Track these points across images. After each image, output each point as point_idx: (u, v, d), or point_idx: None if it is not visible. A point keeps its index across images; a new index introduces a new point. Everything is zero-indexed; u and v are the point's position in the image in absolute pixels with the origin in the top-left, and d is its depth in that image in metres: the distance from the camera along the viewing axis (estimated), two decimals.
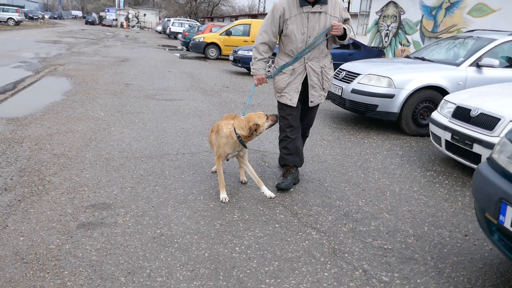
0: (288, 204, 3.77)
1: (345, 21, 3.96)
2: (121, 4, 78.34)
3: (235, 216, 3.46)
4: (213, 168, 4.49)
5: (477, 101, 4.67)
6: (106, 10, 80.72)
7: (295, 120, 4.06)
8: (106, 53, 18.63)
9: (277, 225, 3.35)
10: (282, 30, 3.91)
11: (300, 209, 3.67)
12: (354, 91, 6.56)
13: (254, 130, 3.62)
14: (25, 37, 25.81)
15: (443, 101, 5.25)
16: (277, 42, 4.03)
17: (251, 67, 4.11)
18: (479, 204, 2.64)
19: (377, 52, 13.72)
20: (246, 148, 3.82)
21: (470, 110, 4.58)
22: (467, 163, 4.55)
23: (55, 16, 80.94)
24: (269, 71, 4.21)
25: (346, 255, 2.95)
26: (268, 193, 3.82)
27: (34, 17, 58.22)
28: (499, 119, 4.18)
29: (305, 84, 4.01)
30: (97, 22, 76.23)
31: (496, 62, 6.18)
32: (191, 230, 3.19)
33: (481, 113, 4.41)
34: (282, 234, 3.21)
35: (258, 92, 10.39)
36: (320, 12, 3.78)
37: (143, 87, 9.81)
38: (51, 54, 16.54)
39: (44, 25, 49.16)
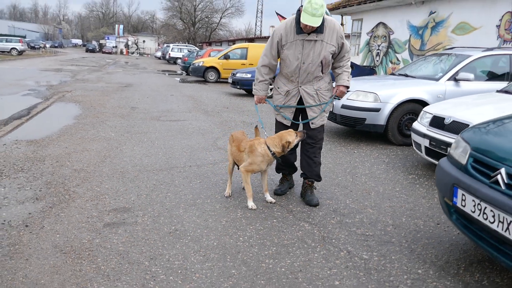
0: (284, 204, 4.32)
1: (342, 48, 4.14)
2: (121, 31, 79.89)
3: (239, 214, 4.00)
4: (225, 192, 4.57)
5: (450, 111, 5.25)
6: (106, 38, 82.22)
7: None
8: (109, 80, 19.33)
9: (274, 220, 3.89)
10: (281, 53, 4.18)
11: (294, 207, 4.22)
12: (344, 106, 7.15)
13: (286, 147, 4.10)
14: (29, 66, 26.62)
15: (422, 112, 5.83)
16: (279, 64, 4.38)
17: (253, 87, 4.43)
18: (440, 192, 3.19)
19: (369, 71, 14.40)
20: (280, 161, 4.29)
21: (444, 118, 5.17)
22: None
23: (56, 45, 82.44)
24: (271, 89, 4.65)
25: (333, 240, 3.49)
26: (269, 198, 4.35)
27: (36, 47, 59.58)
28: (467, 125, 4.75)
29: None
30: (97, 49, 77.63)
31: (471, 76, 6.79)
32: (201, 226, 3.73)
33: (453, 121, 4.99)
34: (279, 227, 3.74)
35: (255, 111, 10.98)
36: (315, 40, 3.99)
37: (148, 110, 10.42)
38: (56, 81, 17.22)
39: (46, 54, 50.24)
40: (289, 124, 4.38)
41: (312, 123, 4.29)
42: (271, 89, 4.61)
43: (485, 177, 2.68)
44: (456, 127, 4.90)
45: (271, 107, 4.50)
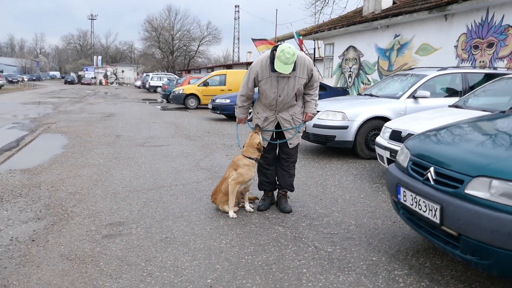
0: (261, 212, 4.88)
1: (311, 78, 4.66)
2: (99, 62, 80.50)
3: (221, 223, 4.54)
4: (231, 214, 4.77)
5: (406, 125, 5.92)
6: (85, 69, 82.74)
7: (270, 155, 4.99)
8: (92, 110, 19.78)
9: (253, 226, 4.44)
10: (258, 86, 4.74)
11: (270, 215, 4.78)
12: (315, 125, 7.80)
13: (261, 147, 4.75)
14: (10, 100, 26.86)
15: (383, 127, 6.49)
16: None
17: (235, 110, 5.11)
18: (389, 192, 3.79)
19: (342, 92, 15.20)
20: (262, 162, 4.93)
21: (401, 132, 5.83)
22: None
23: (34, 78, 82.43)
24: (250, 112, 5.23)
25: (303, 239, 4.06)
26: (248, 208, 4.90)
27: (14, 81, 59.67)
28: None
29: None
30: (76, 81, 77.92)
31: (427, 93, 7.54)
32: (189, 233, 4.25)
33: (408, 134, 5.65)
34: (256, 231, 4.30)
35: (235, 134, 11.60)
36: (289, 77, 4.54)
37: (133, 137, 10.93)
38: (39, 114, 17.61)
39: (25, 87, 50.40)
40: (265, 146, 4.97)
41: (290, 144, 4.91)
42: (250, 113, 5.16)
43: (420, 176, 3.29)
44: None
45: (249, 129, 5.08)
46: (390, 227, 4.38)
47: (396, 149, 5.75)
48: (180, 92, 21.00)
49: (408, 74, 8.67)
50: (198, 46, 66.25)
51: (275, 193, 5.23)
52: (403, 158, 3.69)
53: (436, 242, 3.09)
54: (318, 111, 7.94)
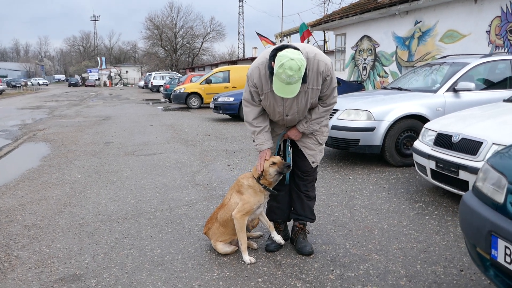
0: (272, 254, 3.54)
1: (324, 83, 3.27)
2: (103, 64, 79.40)
3: (215, 274, 3.22)
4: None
5: (457, 126, 4.56)
6: (88, 71, 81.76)
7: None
8: (88, 113, 18.55)
9: (259, 280, 3.10)
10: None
11: (284, 259, 3.44)
12: (334, 127, 6.43)
13: (261, 175, 3.39)
14: (7, 105, 25.73)
15: (423, 129, 5.15)
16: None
17: (254, 144, 3.51)
18: (468, 238, 2.44)
19: (356, 86, 13.83)
20: (275, 192, 3.51)
21: (451, 136, 4.47)
22: (455, 190, 4.39)
23: (43, 83, 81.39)
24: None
25: None
26: (278, 238, 3.57)
27: (17, 85, 58.78)
28: (481, 143, 4.06)
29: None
30: (80, 83, 76.92)
31: (472, 85, 6.15)
32: None
33: (463, 138, 4.29)
34: None
35: (241, 137, 10.30)
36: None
37: (123, 144, 9.64)
38: (32, 120, 16.40)
39: (27, 91, 49.33)
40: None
41: (313, 162, 3.57)
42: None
43: None
44: (467, 145, 4.20)
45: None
46: (457, 279, 3.02)
47: (445, 159, 4.41)
48: (182, 91, 19.67)
49: (442, 63, 7.27)
50: (202, 43, 64.72)
51: (290, 224, 3.90)
52: (493, 188, 2.33)
53: None
54: (335, 109, 6.59)
